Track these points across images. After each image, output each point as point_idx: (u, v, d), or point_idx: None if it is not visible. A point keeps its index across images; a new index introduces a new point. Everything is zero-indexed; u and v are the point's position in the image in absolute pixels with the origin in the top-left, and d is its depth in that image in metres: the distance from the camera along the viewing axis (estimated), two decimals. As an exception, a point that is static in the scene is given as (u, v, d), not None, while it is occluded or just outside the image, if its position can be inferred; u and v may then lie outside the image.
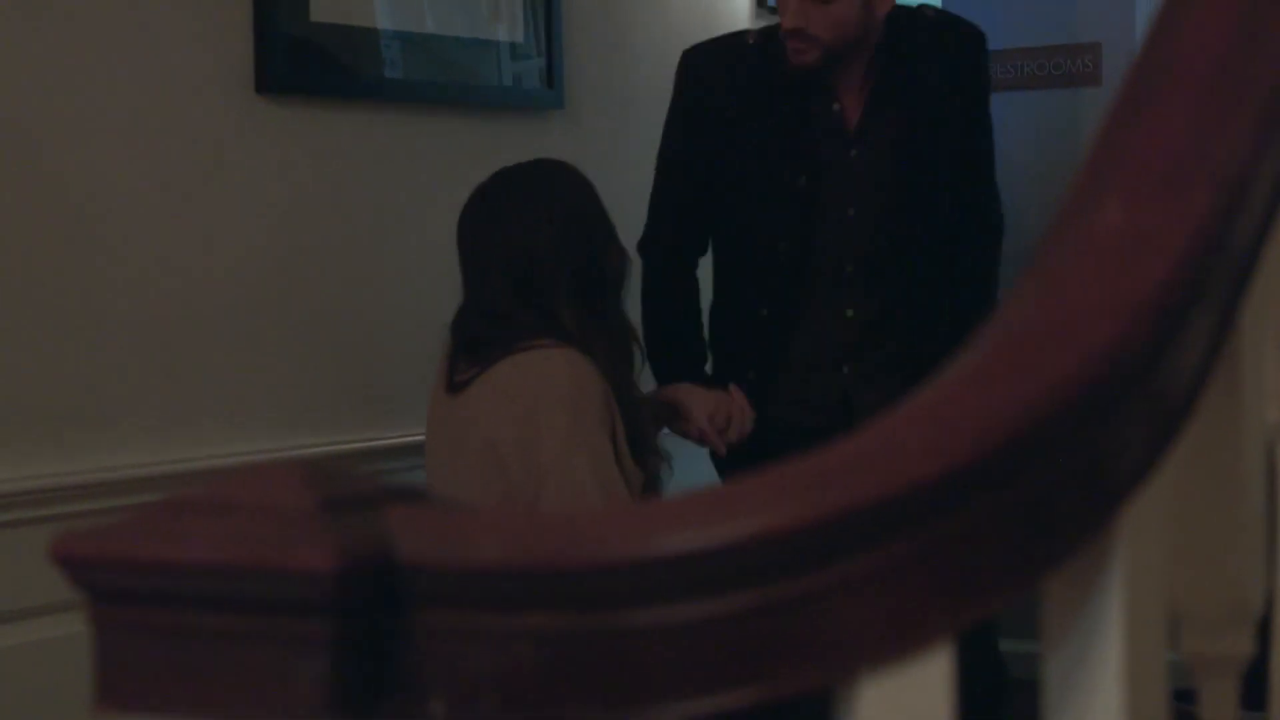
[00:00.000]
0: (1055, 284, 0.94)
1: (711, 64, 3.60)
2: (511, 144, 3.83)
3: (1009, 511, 0.89)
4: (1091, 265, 0.94)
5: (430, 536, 0.89)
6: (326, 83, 3.49)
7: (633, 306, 3.26)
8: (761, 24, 4.39)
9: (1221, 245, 0.98)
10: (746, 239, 3.54)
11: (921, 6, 3.74)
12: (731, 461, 3.38)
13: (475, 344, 2.96)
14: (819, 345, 3.54)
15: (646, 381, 3.29)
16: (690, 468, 3.41)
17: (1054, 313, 0.92)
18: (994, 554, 0.89)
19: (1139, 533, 0.96)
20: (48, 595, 2.66)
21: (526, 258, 2.92)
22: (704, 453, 3.53)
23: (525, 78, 3.91)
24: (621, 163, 4.02)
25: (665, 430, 3.30)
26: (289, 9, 3.35)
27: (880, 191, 3.57)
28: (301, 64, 3.41)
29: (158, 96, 3.16)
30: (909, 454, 0.87)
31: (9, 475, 2.91)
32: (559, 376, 2.84)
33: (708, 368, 3.64)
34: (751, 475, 0.88)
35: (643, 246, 3.59)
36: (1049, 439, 0.89)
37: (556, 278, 2.92)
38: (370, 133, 3.57)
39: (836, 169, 3.54)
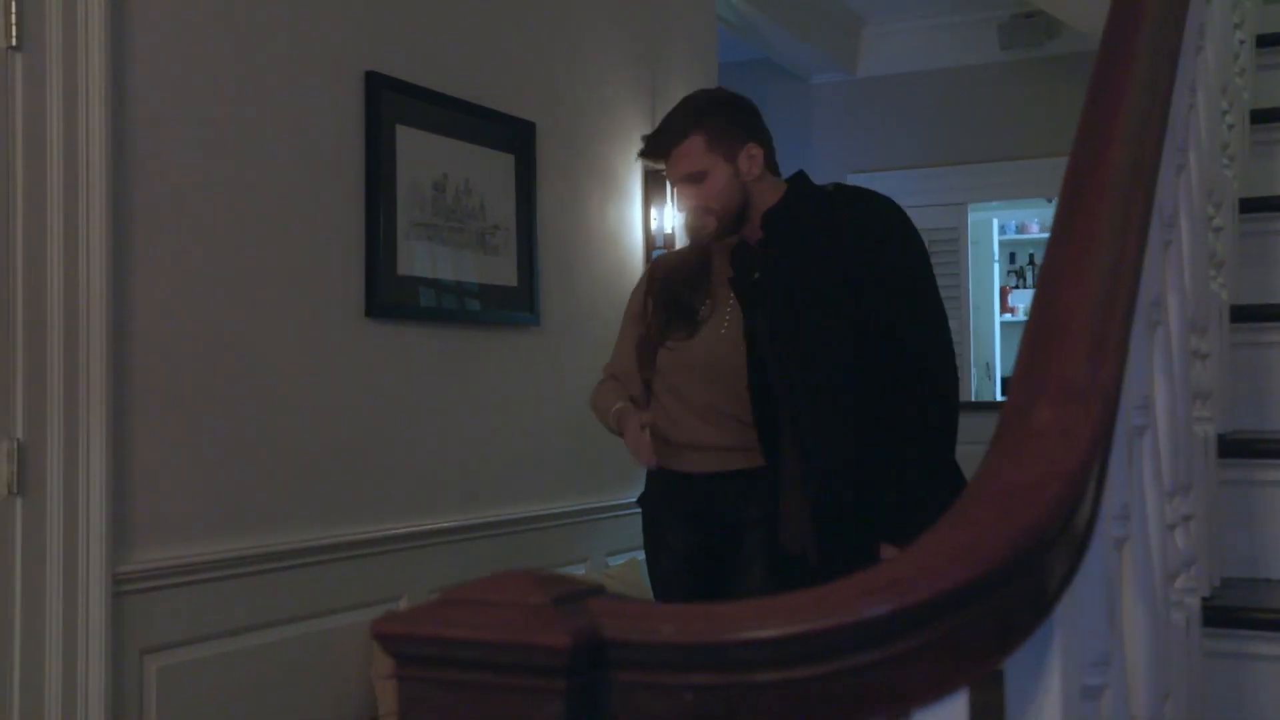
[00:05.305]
0: (1017, 458, 0.95)
1: None
2: (508, 348, 3.85)
3: (1002, 606, 0.89)
4: (1037, 446, 0.95)
5: (626, 621, 0.87)
6: (407, 310, 3.52)
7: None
8: (657, 227, 4.51)
9: (1108, 434, 1.00)
10: None
11: (834, 184, 2.77)
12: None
13: None
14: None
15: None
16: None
17: (1017, 478, 0.94)
18: (991, 634, 0.89)
19: (1065, 621, 0.96)
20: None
21: None
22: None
23: (517, 306, 3.93)
24: (574, 355, 4.19)
25: None
26: (386, 263, 3.40)
27: (776, 342, 2.73)
28: (393, 298, 3.45)
29: (310, 316, 3.27)
30: (947, 567, 0.86)
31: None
32: None
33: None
34: (842, 580, 0.87)
35: None
36: (1024, 559, 0.89)
37: None
38: (431, 340, 3.60)
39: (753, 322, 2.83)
